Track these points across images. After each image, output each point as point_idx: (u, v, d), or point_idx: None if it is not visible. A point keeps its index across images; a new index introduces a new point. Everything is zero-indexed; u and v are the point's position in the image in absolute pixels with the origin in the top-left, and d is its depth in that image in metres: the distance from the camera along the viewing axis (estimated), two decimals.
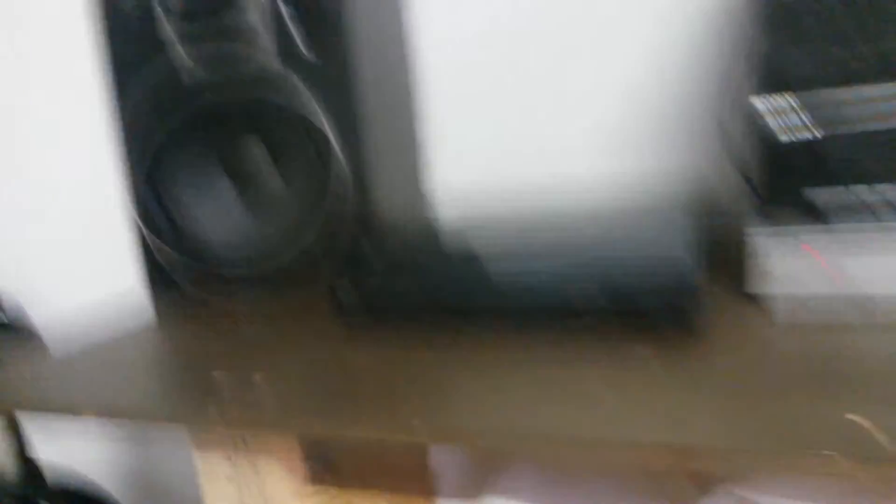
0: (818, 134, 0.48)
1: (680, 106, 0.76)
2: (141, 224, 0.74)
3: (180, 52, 0.69)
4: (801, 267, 0.48)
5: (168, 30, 0.69)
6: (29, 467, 0.99)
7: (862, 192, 0.47)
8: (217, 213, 0.74)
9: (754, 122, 0.50)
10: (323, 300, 0.65)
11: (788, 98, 0.48)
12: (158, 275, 0.75)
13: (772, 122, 0.49)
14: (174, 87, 0.70)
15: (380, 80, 0.72)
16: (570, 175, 0.81)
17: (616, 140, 0.79)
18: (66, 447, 1.19)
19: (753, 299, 0.50)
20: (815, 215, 0.48)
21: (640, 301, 0.47)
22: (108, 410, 0.46)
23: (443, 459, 0.51)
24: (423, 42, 0.85)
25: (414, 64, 0.85)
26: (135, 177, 0.73)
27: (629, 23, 0.76)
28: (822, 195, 0.47)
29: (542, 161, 0.82)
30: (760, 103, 0.49)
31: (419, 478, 0.54)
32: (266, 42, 0.67)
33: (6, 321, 1.06)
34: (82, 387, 0.50)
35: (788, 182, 0.49)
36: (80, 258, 1.10)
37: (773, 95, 0.49)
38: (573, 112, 0.80)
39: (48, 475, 1.01)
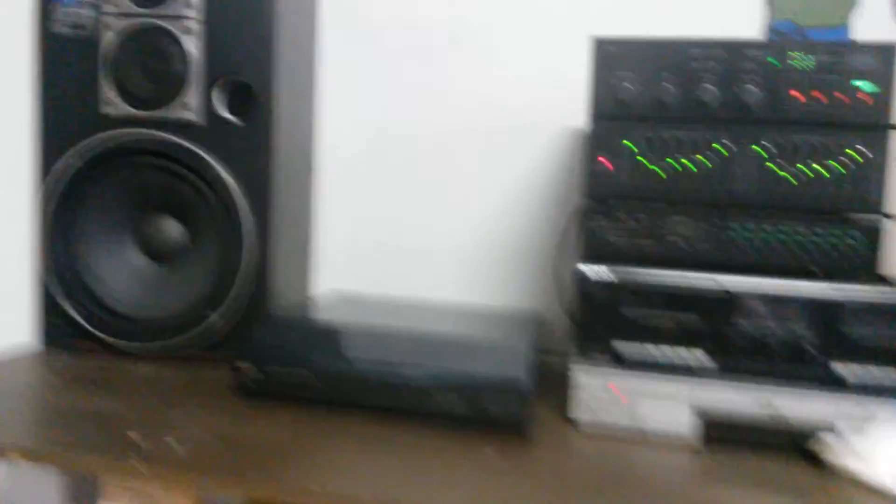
0: (623, 300, 0.66)
1: (526, 255, 0.95)
2: (43, 270, 0.79)
3: (106, 87, 0.78)
4: (606, 399, 0.65)
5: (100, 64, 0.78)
6: None
7: (651, 349, 0.65)
8: (120, 263, 0.82)
9: (579, 283, 0.67)
10: (216, 373, 0.74)
11: (604, 270, 0.67)
12: (55, 320, 0.81)
13: (591, 286, 0.67)
14: (95, 121, 0.78)
15: (289, 161, 0.85)
16: (437, 291, 0.97)
17: (472, 269, 0.96)
18: None
19: (571, 419, 0.66)
20: (619, 361, 0.66)
21: (486, 408, 0.62)
22: (32, 453, 0.53)
23: None
24: (323, 144, 0.99)
25: (314, 162, 0.98)
26: (42, 217, 0.79)
27: (491, 176, 0.95)
28: (625, 347, 0.65)
29: (412, 277, 0.98)
30: (584, 269, 0.67)
31: None
32: (191, 95, 0.77)
33: None
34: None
35: (600, 333, 0.67)
36: None
37: (594, 266, 0.67)
38: (437, 238, 0.97)
39: None
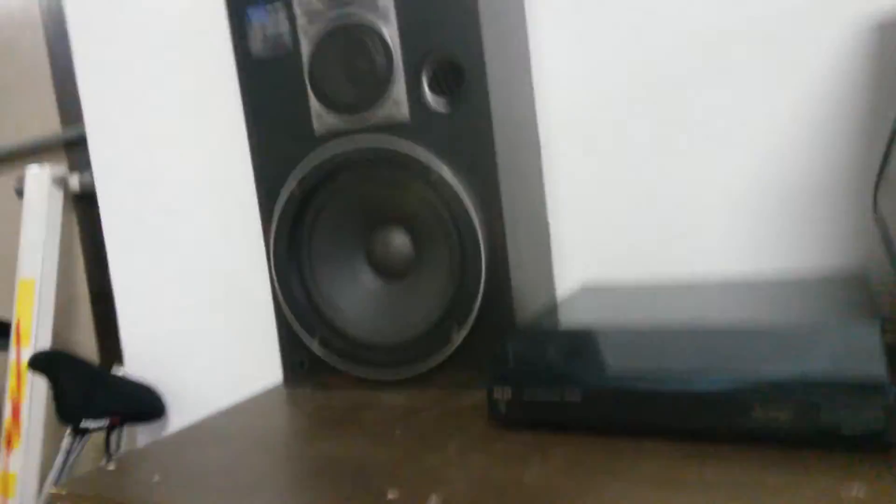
0: None
1: (832, 191, 0.73)
2: (280, 295, 0.75)
3: (313, 101, 0.72)
4: None
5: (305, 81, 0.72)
6: None
7: None
8: (354, 288, 0.75)
9: None
10: (468, 398, 0.65)
11: None
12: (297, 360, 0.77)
13: None
14: (307, 140, 0.72)
15: (512, 144, 0.73)
16: (711, 263, 0.79)
17: (759, 227, 0.76)
18: None
19: None
20: None
21: (835, 424, 0.44)
22: None
23: None
24: (546, 110, 0.85)
25: (539, 134, 0.85)
26: (274, 243, 0.75)
27: (775, 90, 0.74)
28: None
29: (680, 247, 0.80)
30: None
31: None
32: (398, 90, 0.68)
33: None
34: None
35: None
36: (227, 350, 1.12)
37: None
38: (709, 193, 0.78)
39: None
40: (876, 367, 0.45)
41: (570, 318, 0.63)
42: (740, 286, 0.68)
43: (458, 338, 0.68)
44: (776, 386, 0.47)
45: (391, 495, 0.47)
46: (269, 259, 0.75)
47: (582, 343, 0.57)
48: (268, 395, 0.76)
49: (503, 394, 0.56)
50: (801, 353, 0.48)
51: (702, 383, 0.49)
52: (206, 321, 1.10)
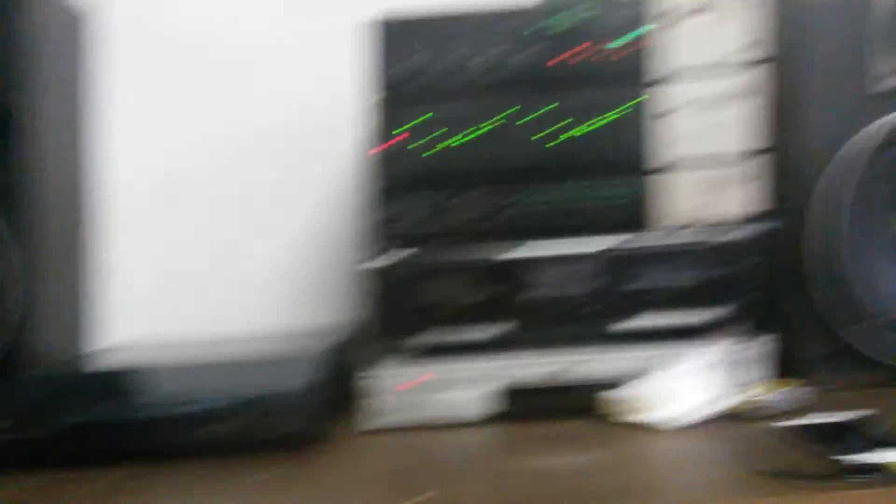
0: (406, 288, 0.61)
1: (332, 265, 0.90)
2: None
3: None
4: (395, 398, 0.59)
5: None
6: None
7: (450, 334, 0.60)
8: None
9: (374, 278, 0.61)
10: None
11: (392, 258, 0.62)
12: None
13: (383, 278, 0.61)
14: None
15: (61, 194, 0.76)
16: (255, 314, 0.90)
17: (291, 292, 0.90)
18: None
19: (364, 430, 0.59)
20: (422, 354, 0.60)
21: (266, 428, 0.54)
22: None
23: None
24: (103, 183, 0.90)
25: (91, 202, 0.88)
26: None
27: (295, 193, 0.90)
28: (426, 338, 0.60)
29: (226, 308, 0.90)
30: (377, 261, 0.62)
31: None
32: None
33: None
34: None
35: (392, 327, 0.61)
36: None
37: (384, 255, 0.62)
38: (245, 264, 0.91)
39: None
40: (296, 382, 0.56)
41: (73, 367, 0.67)
42: (245, 338, 0.79)
43: None
44: (223, 407, 0.55)
45: None
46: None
47: (66, 386, 0.61)
48: None
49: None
50: (253, 378, 0.59)
51: (158, 411, 0.55)
52: None
